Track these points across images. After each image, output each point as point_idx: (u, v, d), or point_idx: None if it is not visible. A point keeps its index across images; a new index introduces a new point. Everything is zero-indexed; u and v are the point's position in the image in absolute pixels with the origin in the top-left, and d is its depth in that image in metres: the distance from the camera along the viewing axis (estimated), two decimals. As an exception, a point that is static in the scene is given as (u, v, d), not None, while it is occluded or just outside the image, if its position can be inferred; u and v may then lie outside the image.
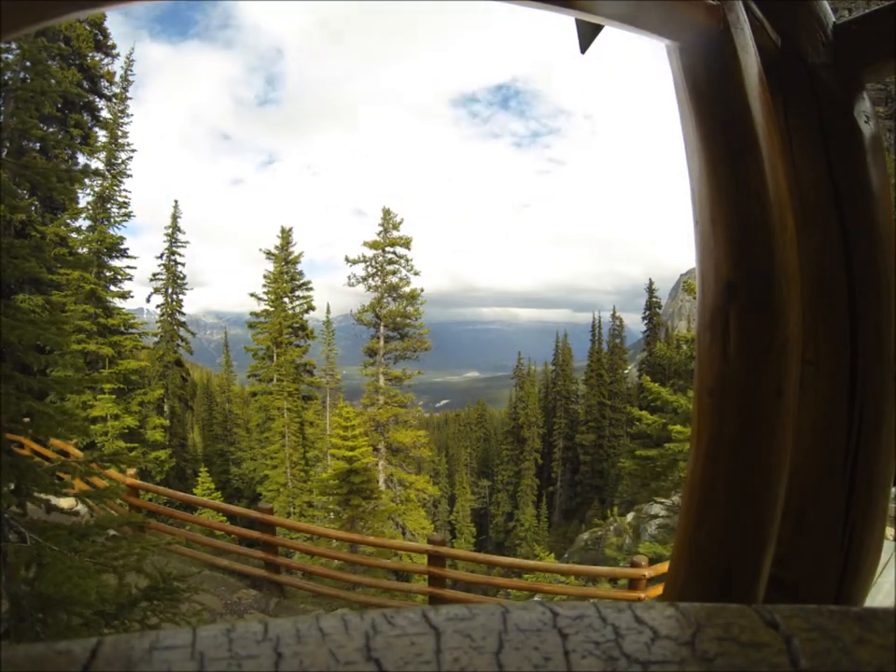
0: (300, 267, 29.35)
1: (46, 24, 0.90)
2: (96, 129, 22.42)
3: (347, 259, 25.84)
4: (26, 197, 7.07)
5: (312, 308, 29.72)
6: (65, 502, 8.40)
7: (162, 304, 27.58)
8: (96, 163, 21.71)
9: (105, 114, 22.91)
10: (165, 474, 21.16)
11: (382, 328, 25.61)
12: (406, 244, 25.52)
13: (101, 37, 22.73)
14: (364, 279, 25.84)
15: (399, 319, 25.75)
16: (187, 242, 28.37)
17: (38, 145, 17.40)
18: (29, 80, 6.24)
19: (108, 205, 21.75)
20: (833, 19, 1.28)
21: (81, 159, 21.48)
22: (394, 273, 25.74)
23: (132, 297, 22.21)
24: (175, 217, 27.85)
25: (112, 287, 21.35)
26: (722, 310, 1.03)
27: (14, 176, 4.79)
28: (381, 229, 25.57)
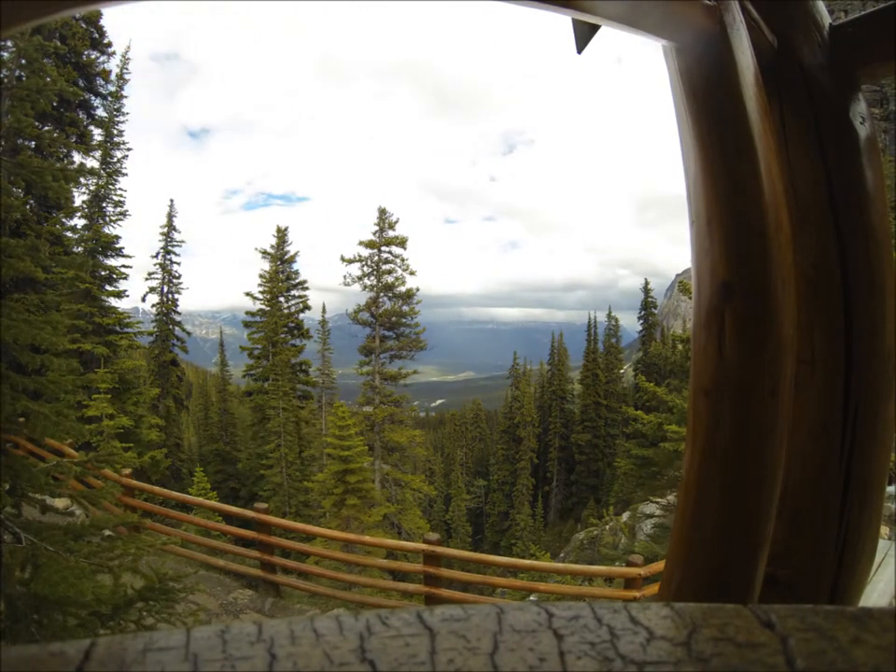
0: (295, 266, 29.37)
1: (41, 22, 0.90)
2: (92, 127, 22.33)
3: (343, 259, 25.84)
4: (21, 196, 7.03)
5: (307, 307, 29.71)
6: (60, 502, 8.39)
7: (158, 303, 27.51)
8: (91, 162, 21.68)
9: (100, 112, 22.86)
10: (161, 474, 21.09)
11: (377, 327, 25.60)
12: (401, 243, 25.51)
13: (97, 35, 22.61)
14: (360, 278, 25.83)
15: (394, 319, 25.75)
16: (182, 241, 28.35)
17: (34, 143, 17.30)
18: (25, 78, 6.22)
19: (104, 204, 21.70)
20: (830, 20, 1.29)
21: (77, 157, 21.39)
22: (389, 272, 25.73)
23: (127, 296, 22.14)
24: (170, 216, 27.81)
25: (107, 287, 21.28)
26: (718, 310, 1.03)
27: (9, 175, 4.78)
28: (377, 228, 25.57)
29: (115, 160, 22.26)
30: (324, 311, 31.79)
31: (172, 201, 28.23)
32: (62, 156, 20.37)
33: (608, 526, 20.58)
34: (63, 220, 19.66)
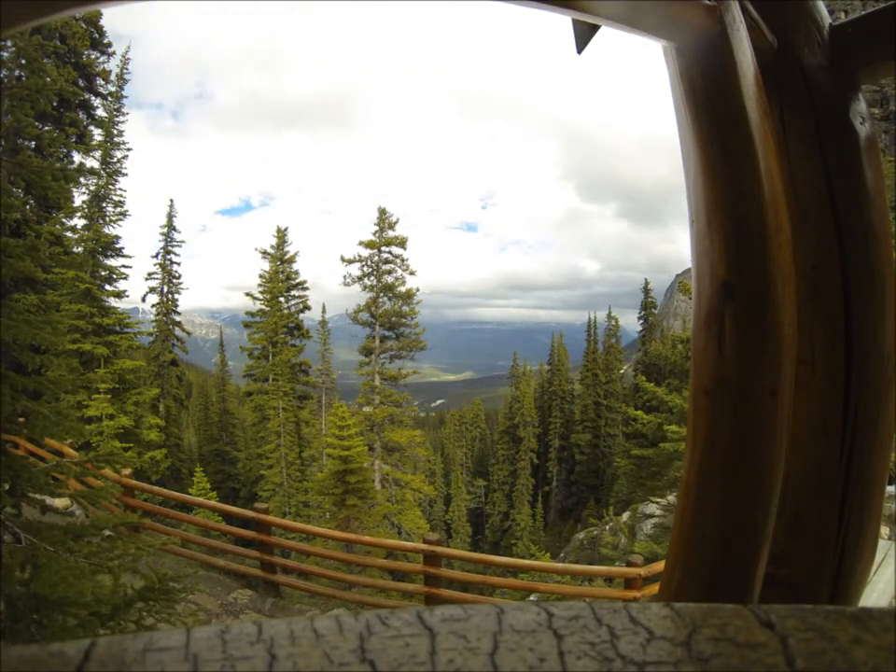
0: (295, 266, 29.34)
1: (41, 22, 0.90)
2: (91, 127, 22.34)
3: (343, 259, 25.82)
4: (21, 196, 7.04)
5: (307, 308, 29.72)
6: (60, 502, 8.39)
7: (158, 304, 27.51)
8: (91, 162, 21.70)
9: (100, 112, 22.88)
10: (161, 474, 21.10)
11: (377, 327, 25.59)
12: (401, 243, 25.49)
13: (97, 35, 22.61)
14: (360, 279, 25.81)
15: (394, 319, 25.74)
16: (182, 241, 28.37)
17: (33, 143, 17.30)
18: (24, 78, 6.22)
19: (104, 204, 21.72)
20: (830, 20, 1.29)
21: (77, 157, 21.40)
22: (389, 272, 25.71)
23: (127, 296, 22.17)
24: (170, 216, 27.82)
25: (107, 287, 21.30)
26: (718, 310, 1.03)
27: (9, 175, 4.78)
28: (377, 228, 25.55)
29: (115, 160, 22.30)
30: (324, 311, 31.78)
31: (172, 201, 28.32)
32: (62, 156, 20.36)
33: (608, 526, 20.56)
34: (63, 220, 19.63)
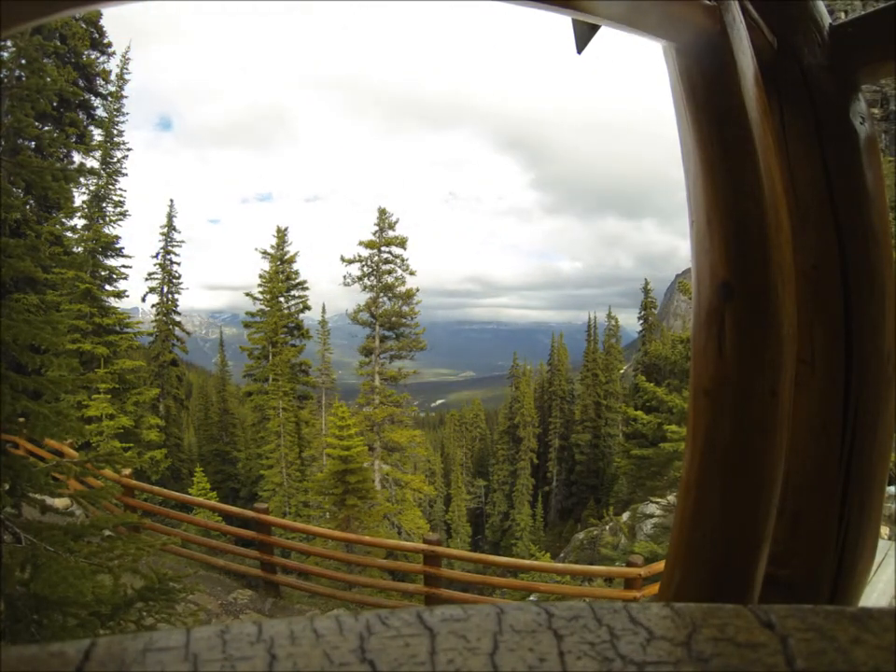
0: (295, 266, 29.32)
1: (41, 22, 0.90)
2: (91, 127, 22.35)
3: (343, 259, 25.82)
4: (21, 196, 7.05)
5: (307, 308, 29.70)
6: (60, 502, 8.39)
7: (158, 304, 27.51)
8: (91, 162, 21.70)
9: (100, 112, 22.88)
10: (161, 474, 21.09)
11: (377, 327, 25.59)
12: (401, 243, 25.50)
13: (97, 35, 22.61)
14: (360, 279, 25.81)
15: (394, 319, 25.74)
16: (182, 241, 28.37)
17: (33, 143, 17.30)
18: (24, 78, 6.23)
19: (104, 204, 21.72)
20: (830, 20, 1.28)
21: (77, 157, 21.40)
22: (389, 272, 25.72)
23: (127, 296, 22.17)
24: (170, 216, 27.82)
25: (107, 287, 21.30)
26: (718, 310, 1.03)
27: (9, 175, 4.78)
28: (377, 228, 25.56)
29: (115, 160, 22.31)
30: (324, 311, 31.76)
31: (172, 201, 28.32)
32: (62, 156, 20.36)
33: (608, 526, 20.55)
34: (63, 220, 19.61)
